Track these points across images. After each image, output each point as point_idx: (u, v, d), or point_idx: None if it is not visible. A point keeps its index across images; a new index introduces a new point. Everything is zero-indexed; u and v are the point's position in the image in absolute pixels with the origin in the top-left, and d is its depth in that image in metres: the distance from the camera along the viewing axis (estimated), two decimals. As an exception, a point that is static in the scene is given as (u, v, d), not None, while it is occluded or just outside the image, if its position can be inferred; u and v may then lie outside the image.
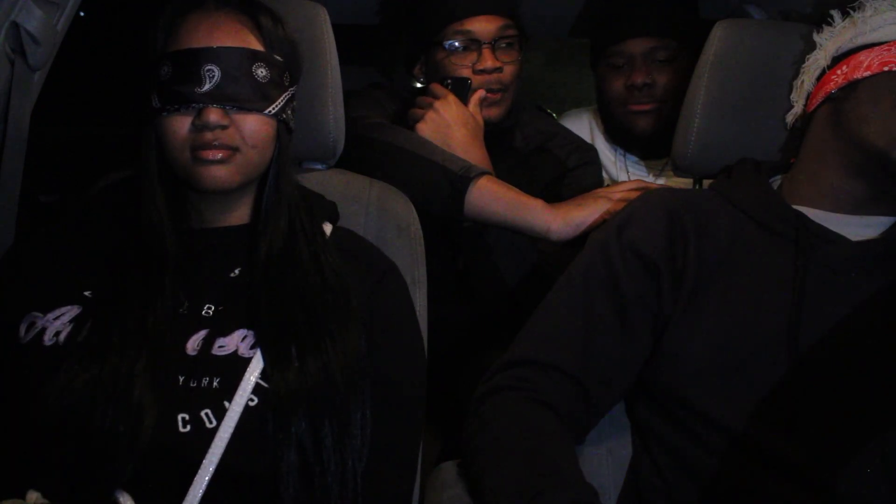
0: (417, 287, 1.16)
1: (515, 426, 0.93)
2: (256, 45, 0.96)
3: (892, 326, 0.93)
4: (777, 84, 1.15)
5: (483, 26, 1.44)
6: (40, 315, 0.90)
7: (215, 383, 0.86)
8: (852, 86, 1.00)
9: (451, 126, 1.36)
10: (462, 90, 1.42)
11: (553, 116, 1.93)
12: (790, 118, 1.14)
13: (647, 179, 1.67)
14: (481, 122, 1.43)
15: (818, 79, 1.08)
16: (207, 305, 0.93)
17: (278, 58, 0.98)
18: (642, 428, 1.04)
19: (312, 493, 0.85)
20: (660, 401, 1.01)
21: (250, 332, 0.90)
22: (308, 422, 0.86)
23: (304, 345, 0.89)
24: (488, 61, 1.44)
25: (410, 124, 1.39)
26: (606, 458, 1.05)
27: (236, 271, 0.97)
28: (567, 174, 1.55)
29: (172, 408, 0.84)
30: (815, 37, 1.09)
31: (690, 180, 1.33)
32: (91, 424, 0.80)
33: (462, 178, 1.24)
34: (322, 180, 1.20)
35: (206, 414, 0.84)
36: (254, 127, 0.94)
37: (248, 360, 0.88)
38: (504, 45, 1.46)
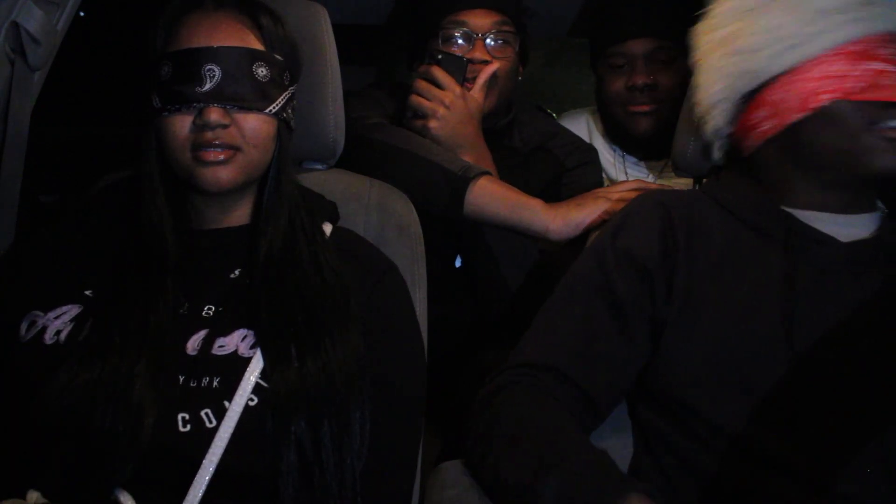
0: (417, 287, 1.16)
1: (524, 413, 0.94)
2: (257, 45, 0.96)
3: (887, 325, 0.93)
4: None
5: (478, 20, 1.46)
6: (41, 314, 0.90)
7: (215, 383, 0.86)
8: (792, 127, 0.99)
9: (462, 123, 1.36)
10: (456, 69, 1.39)
11: (553, 116, 1.93)
12: (711, 136, 1.11)
13: (646, 180, 1.66)
14: (483, 107, 1.42)
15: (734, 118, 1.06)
16: (208, 306, 0.93)
17: (278, 57, 0.98)
18: (644, 428, 1.04)
19: (312, 492, 0.85)
20: (661, 402, 1.02)
21: (250, 332, 0.90)
22: (307, 421, 0.86)
23: (304, 345, 0.89)
24: (478, 52, 1.45)
25: (410, 115, 1.38)
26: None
27: (236, 272, 0.97)
28: (566, 174, 1.56)
29: (172, 407, 0.84)
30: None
31: (690, 180, 1.33)
32: (91, 424, 0.80)
33: (461, 178, 1.24)
34: (322, 180, 1.20)
35: (206, 414, 0.84)
36: (255, 126, 0.94)
37: (247, 360, 0.88)
38: (498, 40, 1.47)
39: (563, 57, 2.68)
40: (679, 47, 1.55)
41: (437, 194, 1.26)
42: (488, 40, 1.46)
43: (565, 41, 2.47)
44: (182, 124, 0.92)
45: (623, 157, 1.72)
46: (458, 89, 1.37)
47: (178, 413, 0.84)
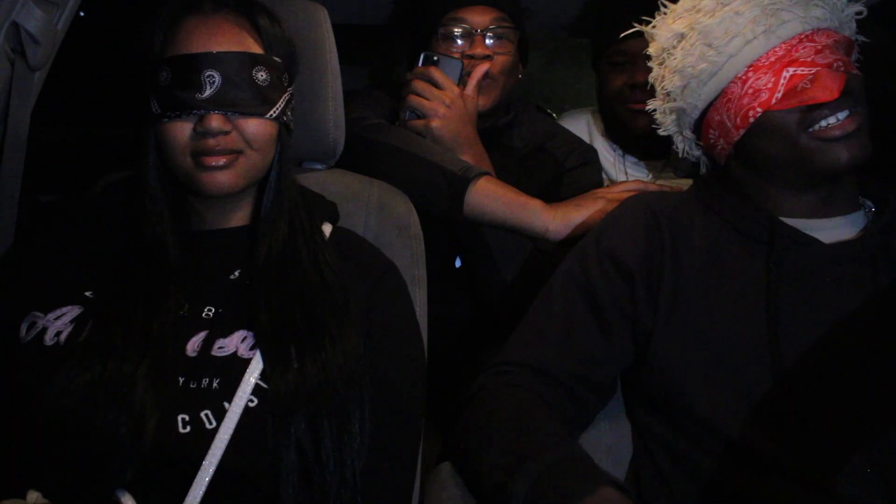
0: (417, 287, 1.16)
1: (499, 407, 0.95)
2: (256, 48, 0.96)
3: (873, 324, 0.93)
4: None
5: (477, 16, 1.46)
6: (41, 315, 0.90)
7: (215, 384, 0.86)
8: (740, 143, 1.03)
9: (462, 122, 1.37)
10: (452, 70, 1.40)
11: (553, 116, 1.93)
12: (683, 151, 1.16)
13: (646, 180, 1.66)
14: (479, 106, 1.43)
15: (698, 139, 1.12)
16: (207, 307, 0.93)
17: (277, 59, 0.98)
18: (642, 429, 1.04)
19: (312, 492, 0.85)
20: (656, 404, 1.02)
21: (250, 334, 0.90)
22: (307, 422, 0.86)
23: (304, 345, 0.89)
24: (478, 48, 1.45)
25: (407, 116, 1.38)
26: (606, 458, 1.05)
27: (236, 273, 0.97)
28: (565, 174, 1.55)
29: (172, 408, 0.84)
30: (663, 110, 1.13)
31: (690, 180, 1.33)
32: (92, 425, 0.80)
33: (461, 178, 1.25)
34: (322, 180, 1.20)
35: (206, 415, 0.84)
36: (256, 130, 0.94)
37: (247, 361, 0.88)
38: (497, 36, 1.47)
39: (562, 57, 2.68)
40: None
41: (437, 195, 1.26)
42: (488, 36, 1.46)
43: (565, 41, 2.47)
44: (182, 131, 0.92)
45: (623, 156, 1.71)
46: (457, 89, 1.38)
47: (178, 414, 0.84)
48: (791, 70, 0.97)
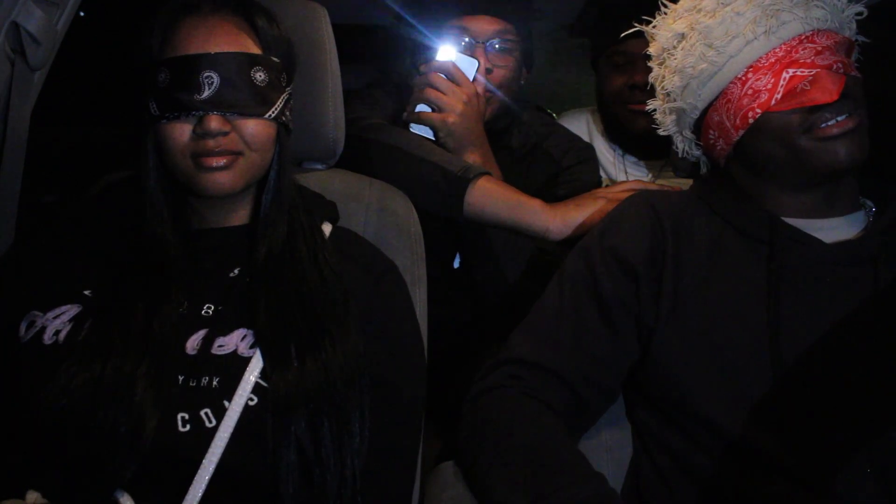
0: (417, 287, 1.16)
1: (514, 422, 0.94)
2: (254, 49, 0.96)
3: (874, 323, 0.93)
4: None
5: (480, 26, 1.46)
6: (40, 314, 0.90)
7: (215, 383, 0.86)
8: (740, 143, 1.03)
9: (475, 121, 1.36)
10: (468, 69, 1.38)
11: (553, 116, 1.93)
12: (683, 151, 1.16)
13: (645, 179, 1.66)
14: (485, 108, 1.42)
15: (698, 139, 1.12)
16: (207, 305, 0.93)
17: (275, 59, 0.98)
18: (642, 429, 1.04)
19: (312, 491, 0.85)
20: (656, 404, 1.02)
21: (250, 332, 0.90)
22: (307, 421, 0.85)
23: (304, 344, 0.89)
24: (479, 59, 1.44)
25: (415, 109, 1.36)
26: (606, 458, 1.05)
27: (236, 271, 0.97)
28: (563, 172, 1.55)
29: (172, 407, 0.84)
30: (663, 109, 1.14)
31: (689, 180, 1.33)
32: (91, 424, 0.80)
33: (461, 178, 1.24)
34: (322, 180, 1.20)
35: (206, 413, 0.84)
36: (255, 131, 0.94)
37: (247, 360, 0.88)
38: (499, 48, 1.46)
39: (563, 57, 2.68)
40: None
41: (437, 195, 1.26)
42: (489, 48, 1.45)
43: (565, 41, 2.47)
44: (181, 132, 0.92)
45: (623, 156, 1.72)
46: (473, 87, 1.37)
47: (177, 413, 0.84)
48: (791, 71, 0.97)
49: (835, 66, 0.96)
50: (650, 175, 1.69)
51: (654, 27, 1.12)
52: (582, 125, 1.80)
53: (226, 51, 0.92)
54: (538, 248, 1.40)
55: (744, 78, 1.00)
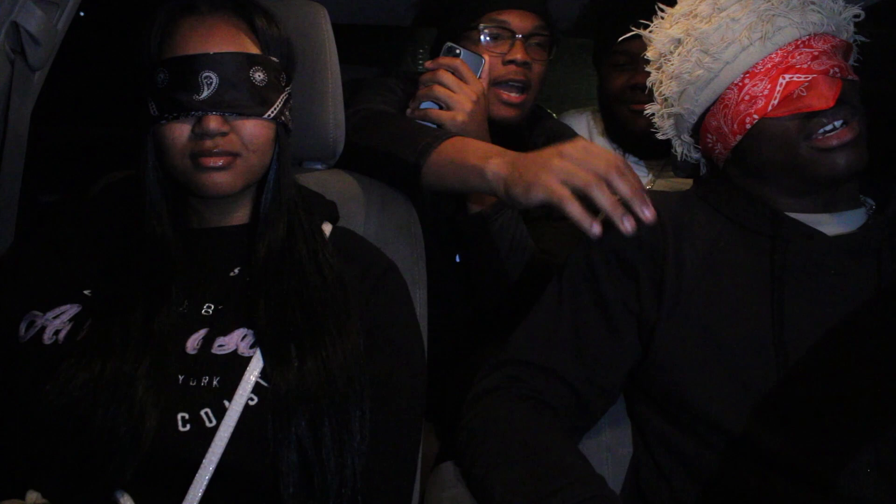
0: (417, 287, 1.16)
1: (514, 423, 0.94)
2: (253, 49, 0.96)
3: (875, 319, 0.93)
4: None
5: (520, 20, 1.44)
6: (40, 314, 0.90)
7: (215, 382, 0.86)
8: (737, 147, 1.03)
9: (483, 120, 1.34)
10: (475, 66, 1.36)
11: (553, 116, 1.93)
12: (682, 155, 1.17)
13: (646, 179, 1.67)
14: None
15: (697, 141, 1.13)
16: (207, 304, 0.93)
17: (274, 59, 0.98)
18: (643, 427, 1.04)
19: (312, 491, 0.85)
20: (657, 401, 1.02)
21: (250, 332, 0.90)
22: (308, 421, 0.85)
23: (304, 344, 0.89)
24: (519, 53, 1.43)
25: (418, 105, 1.34)
26: (607, 457, 1.05)
27: (236, 270, 0.97)
28: None
29: (172, 407, 0.84)
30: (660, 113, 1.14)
31: (690, 180, 1.33)
32: (91, 424, 0.80)
33: (424, 147, 1.15)
34: (322, 180, 1.20)
35: (206, 413, 0.84)
36: (253, 132, 0.94)
37: (247, 360, 0.88)
38: (536, 42, 1.46)
39: (562, 57, 2.68)
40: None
41: (402, 167, 1.18)
42: (529, 43, 1.44)
43: (565, 41, 2.47)
44: (180, 132, 0.92)
45: (624, 155, 1.72)
46: (481, 86, 1.34)
47: (177, 412, 0.84)
48: (787, 77, 0.97)
49: (831, 71, 0.96)
50: (651, 175, 1.69)
51: (650, 31, 1.12)
52: (582, 125, 1.80)
53: (225, 51, 0.92)
54: (540, 248, 1.40)
55: (740, 84, 1.00)
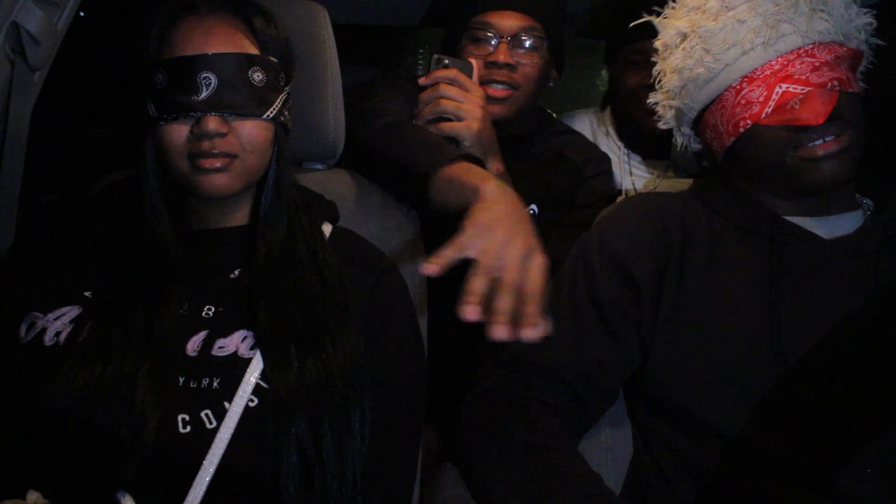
0: (417, 287, 1.16)
1: (514, 423, 0.94)
2: (251, 49, 0.96)
3: (873, 321, 0.93)
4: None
5: (504, 21, 1.42)
6: (41, 315, 0.90)
7: (215, 384, 0.86)
8: (731, 147, 1.04)
9: (491, 125, 1.33)
10: (467, 73, 1.33)
11: (553, 117, 1.93)
12: (682, 146, 1.17)
13: (650, 180, 1.67)
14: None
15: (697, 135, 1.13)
16: (207, 306, 0.93)
17: (273, 59, 0.98)
18: (643, 429, 1.04)
19: (313, 492, 0.85)
20: (658, 403, 1.02)
21: (250, 333, 0.90)
22: (308, 422, 0.85)
23: (304, 345, 0.89)
24: (500, 55, 1.40)
25: (424, 119, 1.30)
26: (607, 457, 1.05)
27: (236, 272, 0.97)
28: (584, 183, 1.52)
29: (173, 408, 0.84)
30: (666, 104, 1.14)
31: (691, 180, 1.33)
32: (92, 425, 0.80)
33: (424, 175, 1.11)
34: (322, 180, 1.20)
35: (207, 415, 0.84)
36: (252, 132, 0.94)
37: (247, 361, 0.88)
38: (524, 43, 1.43)
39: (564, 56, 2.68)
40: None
41: (405, 189, 1.18)
42: (514, 44, 1.42)
43: (568, 41, 2.47)
44: (179, 133, 0.92)
45: (628, 156, 1.72)
46: (481, 90, 1.33)
47: (178, 414, 0.84)
48: (784, 86, 0.97)
49: (830, 84, 0.96)
50: (654, 174, 1.69)
51: (663, 18, 1.11)
52: (586, 126, 1.80)
53: (223, 51, 0.92)
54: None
55: (738, 87, 1.00)
